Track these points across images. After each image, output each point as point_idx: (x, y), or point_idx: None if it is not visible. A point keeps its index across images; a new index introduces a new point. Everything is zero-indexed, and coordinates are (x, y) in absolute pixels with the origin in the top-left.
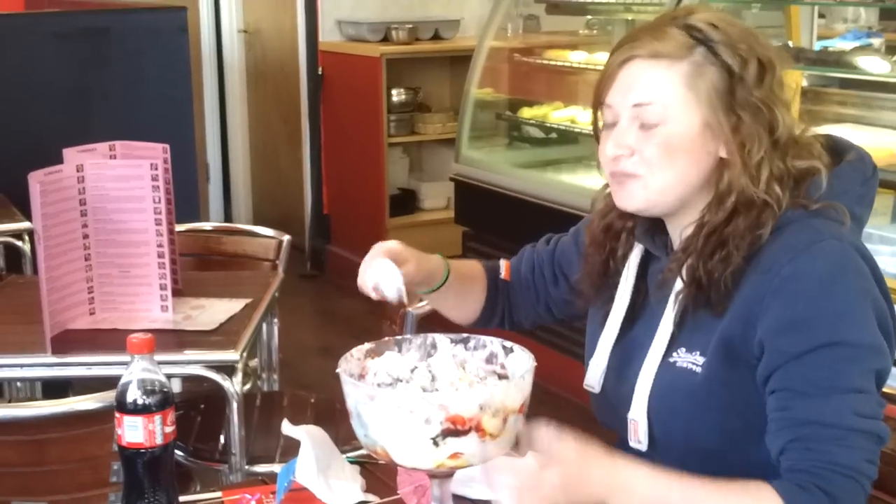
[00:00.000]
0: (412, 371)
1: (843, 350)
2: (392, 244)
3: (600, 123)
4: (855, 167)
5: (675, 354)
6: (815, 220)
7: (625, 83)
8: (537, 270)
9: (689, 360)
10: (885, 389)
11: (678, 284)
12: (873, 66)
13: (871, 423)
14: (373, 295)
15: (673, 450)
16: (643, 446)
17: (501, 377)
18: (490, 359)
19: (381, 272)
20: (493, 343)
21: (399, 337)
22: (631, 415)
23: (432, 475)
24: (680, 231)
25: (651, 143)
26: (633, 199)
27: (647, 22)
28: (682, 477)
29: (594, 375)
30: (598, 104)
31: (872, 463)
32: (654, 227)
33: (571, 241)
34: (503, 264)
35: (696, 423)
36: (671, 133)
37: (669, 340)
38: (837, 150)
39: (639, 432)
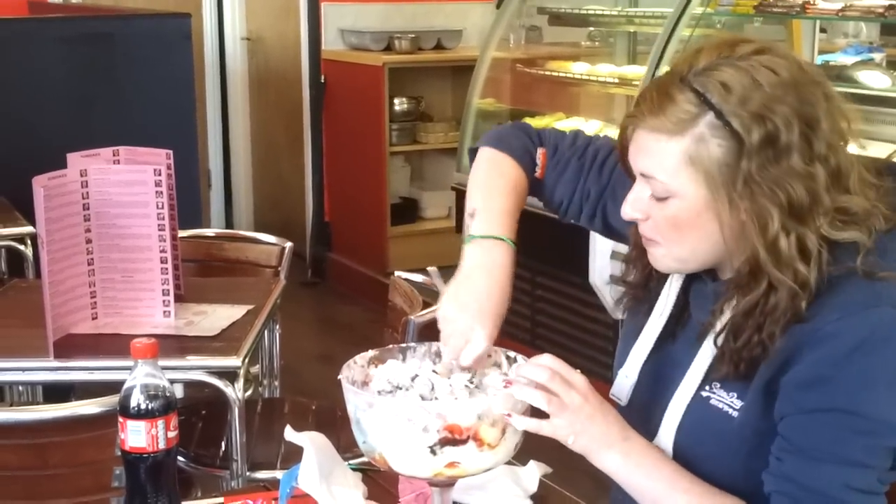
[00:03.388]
0: (413, 379)
1: (856, 420)
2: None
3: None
4: None
5: (708, 388)
6: (877, 283)
7: (634, 146)
8: (577, 198)
9: (725, 400)
10: None
11: (718, 327)
12: (874, 80)
13: (863, 499)
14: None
15: None
16: None
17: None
18: (494, 367)
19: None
20: (498, 353)
21: (404, 345)
22: (657, 441)
23: (433, 483)
24: (731, 266)
25: (661, 214)
26: (660, 263)
27: (658, 78)
28: (676, 478)
29: (623, 387)
30: (624, 133)
31: None
32: None
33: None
34: (540, 159)
35: (722, 464)
36: (678, 208)
37: (706, 373)
38: None
39: None
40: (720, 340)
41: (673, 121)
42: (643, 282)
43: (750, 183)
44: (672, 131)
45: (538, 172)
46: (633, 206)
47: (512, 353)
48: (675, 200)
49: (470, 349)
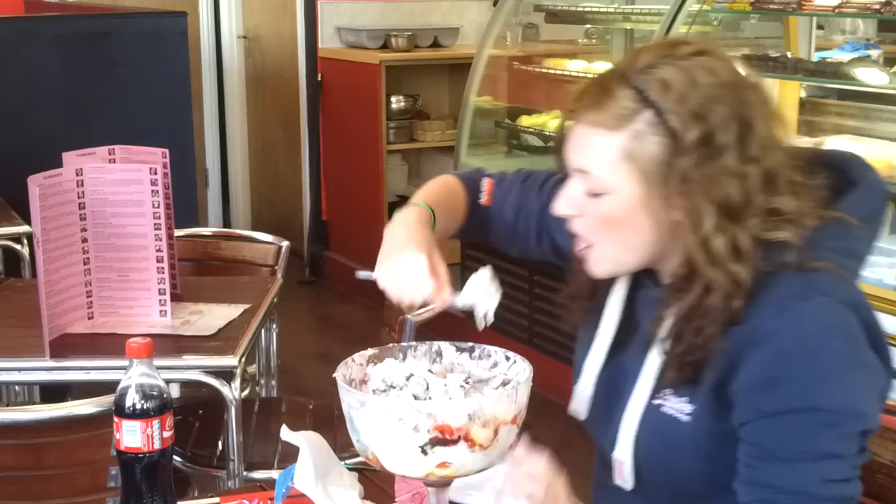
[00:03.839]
0: (408, 378)
1: (818, 415)
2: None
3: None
4: (863, 202)
5: (661, 396)
6: (809, 274)
7: (572, 142)
8: (521, 220)
9: (676, 406)
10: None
11: (662, 334)
12: (871, 77)
13: (841, 488)
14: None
15: (658, 490)
16: (628, 486)
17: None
18: (492, 368)
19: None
20: (497, 353)
21: (405, 344)
22: (616, 454)
23: (427, 483)
24: (670, 269)
25: (594, 211)
26: (595, 267)
27: (599, 75)
28: None
29: (580, 402)
30: (562, 129)
31: None
32: None
33: None
34: (486, 186)
35: (682, 470)
36: (612, 205)
37: (656, 380)
38: (848, 178)
39: (623, 472)
40: (665, 346)
41: (612, 116)
42: (589, 293)
43: (685, 181)
44: (610, 126)
45: (484, 199)
46: (566, 203)
47: (511, 354)
48: (610, 197)
49: (418, 273)
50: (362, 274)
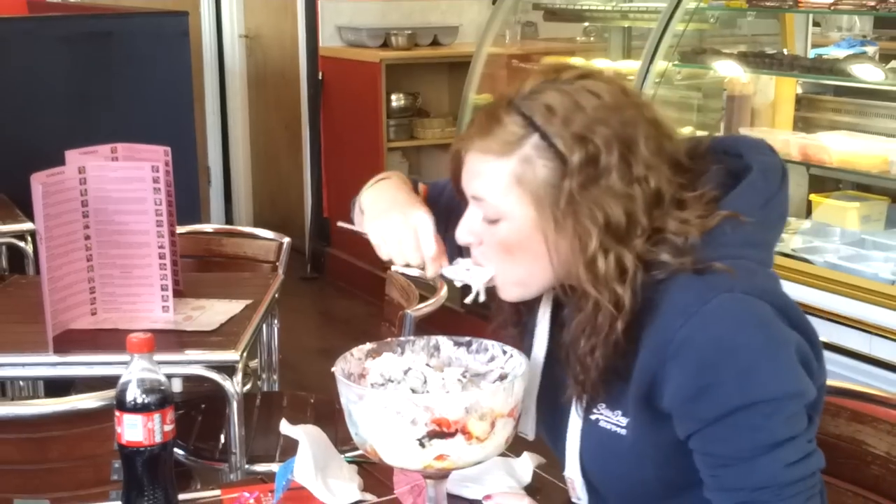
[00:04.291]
0: (405, 372)
1: (759, 408)
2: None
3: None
4: (755, 189)
5: (596, 411)
6: (705, 275)
7: (466, 170)
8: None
9: (612, 420)
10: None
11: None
12: (867, 73)
13: (805, 466)
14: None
15: (616, 499)
16: (584, 502)
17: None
18: (490, 362)
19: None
20: (494, 347)
21: (403, 338)
22: (566, 473)
23: (426, 476)
24: (559, 285)
25: (492, 238)
26: (504, 293)
27: (488, 104)
28: None
29: (526, 422)
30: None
31: (812, 499)
32: None
33: None
34: (422, 191)
35: (633, 479)
36: (507, 230)
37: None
38: (740, 168)
39: (577, 489)
40: (568, 364)
41: (500, 142)
42: (515, 319)
43: (572, 202)
44: (499, 152)
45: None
46: (465, 231)
47: (508, 348)
48: (505, 223)
49: (424, 234)
50: (343, 224)
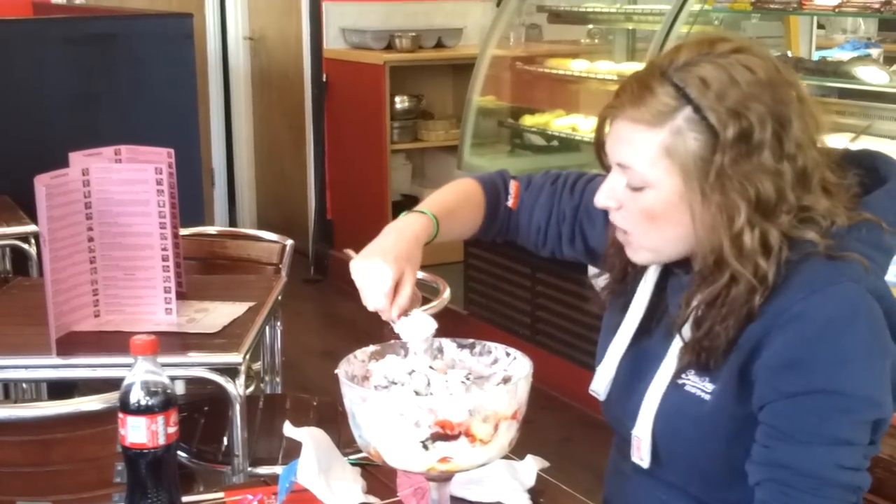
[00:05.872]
0: (409, 374)
1: (837, 399)
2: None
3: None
4: (893, 197)
5: (684, 376)
6: (837, 262)
7: (613, 137)
8: (553, 222)
9: (698, 385)
10: None
11: (685, 318)
12: (872, 76)
13: (852, 476)
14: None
15: (675, 469)
16: (645, 463)
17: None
18: (493, 364)
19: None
20: (497, 349)
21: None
22: (635, 431)
23: (430, 478)
24: (701, 258)
25: (634, 205)
26: (636, 256)
27: (639, 71)
28: None
29: (601, 382)
30: (602, 125)
31: None
32: None
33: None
34: (513, 189)
35: (700, 450)
36: (653, 199)
37: (679, 363)
38: (879, 176)
39: (641, 450)
40: (686, 331)
41: (652, 112)
42: (620, 277)
43: (722, 177)
44: (651, 123)
45: (511, 202)
46: (606, 195)
47: (511, 350)
48: (651, 191)
49: (378, 286)
50: (348, 251)
